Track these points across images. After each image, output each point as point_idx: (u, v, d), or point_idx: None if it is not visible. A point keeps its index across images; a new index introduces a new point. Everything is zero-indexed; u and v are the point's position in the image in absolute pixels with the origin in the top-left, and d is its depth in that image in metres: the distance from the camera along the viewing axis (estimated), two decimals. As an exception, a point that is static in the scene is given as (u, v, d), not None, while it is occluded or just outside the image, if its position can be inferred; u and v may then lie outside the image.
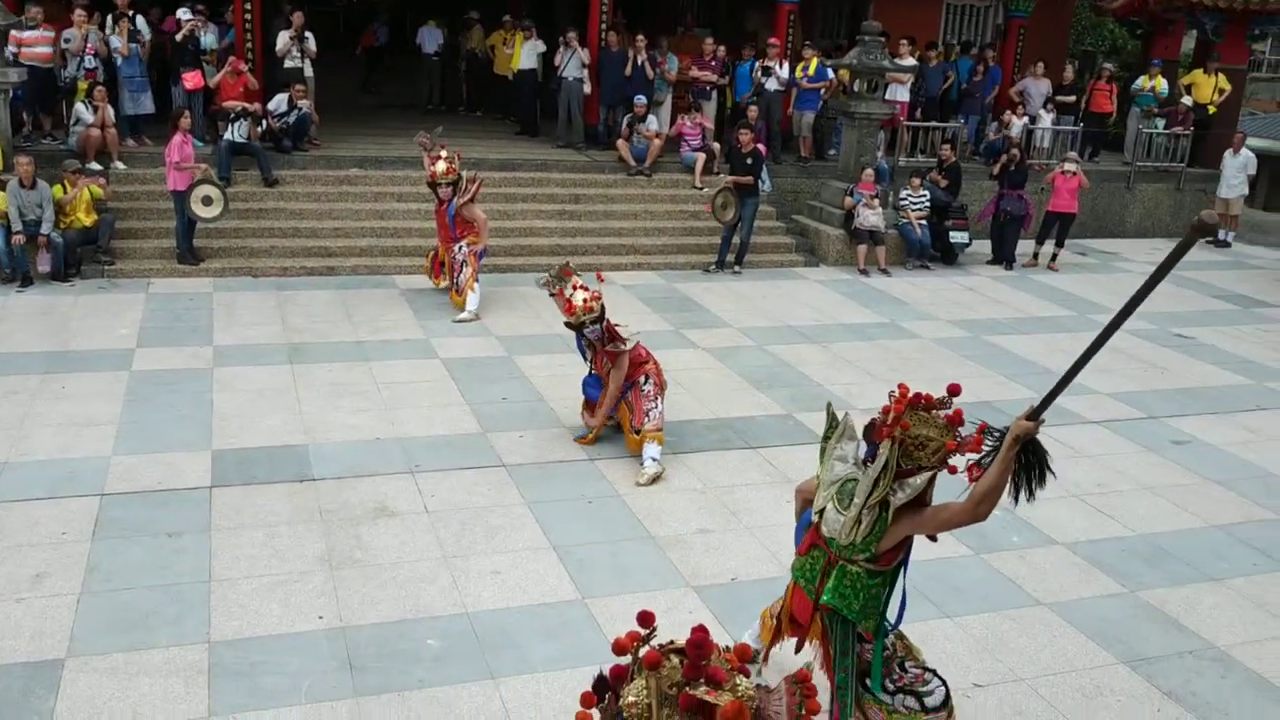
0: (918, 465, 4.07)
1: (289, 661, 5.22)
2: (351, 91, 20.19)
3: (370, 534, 6.48)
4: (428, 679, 5.17)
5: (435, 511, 6.81)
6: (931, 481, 4.10)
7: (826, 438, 4.46)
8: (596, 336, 7.68)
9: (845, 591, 4.26)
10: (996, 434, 4.09)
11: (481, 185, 11.18)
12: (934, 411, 4.08)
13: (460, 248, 10.90)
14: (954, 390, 4.15)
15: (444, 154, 10.91)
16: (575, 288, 7.62)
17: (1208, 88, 18.02)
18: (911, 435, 4.02)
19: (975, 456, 4.07)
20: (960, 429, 4.09)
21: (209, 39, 14.04)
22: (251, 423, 7.96)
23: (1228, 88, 18.04)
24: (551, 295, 7.96)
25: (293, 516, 6.63)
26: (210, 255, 12.01)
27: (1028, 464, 4.05)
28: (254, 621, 5.52)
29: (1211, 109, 18.00)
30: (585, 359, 8.05)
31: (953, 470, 4.12)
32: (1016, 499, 4.05)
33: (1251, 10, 17.43)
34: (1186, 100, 17.93)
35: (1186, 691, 5.50)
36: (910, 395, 4.09)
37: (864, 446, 4.36)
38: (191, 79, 13.45)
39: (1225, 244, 17.61)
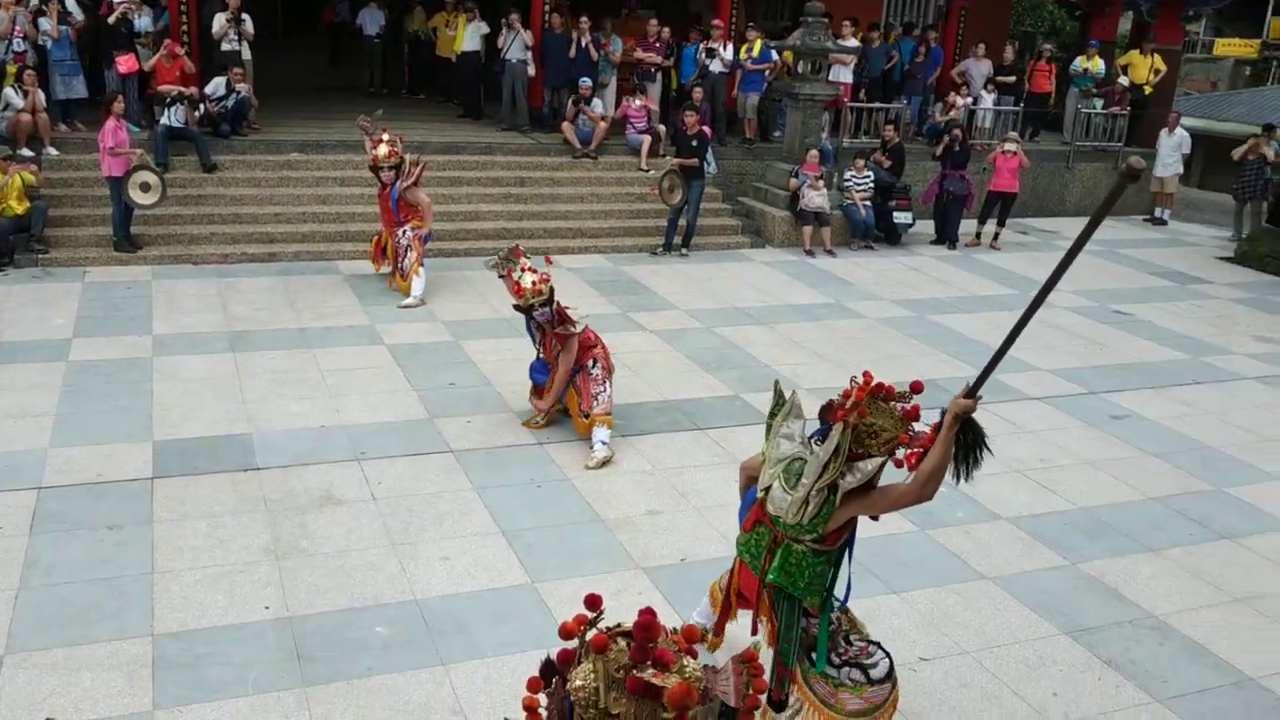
0: (866, 451, 4.11)
1: (235, 653, 5.16)
2: (321, 69, 19.92)
3: (316, 522, 6.42)
4: (376, 667, 5.14)
5: (382, 499, 6.76)
6: (881, 467, 4.14)
7: (773, 415, 4.48)
8: (545, 319, 7.66)
9: (791, 569, 4.31)
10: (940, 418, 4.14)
11: (425, 168, 11.06)
12: (892, 403, 4.14)
13: (404, 232, 10.80)
14: (916, 388, 4.21)
15: (385, 137, 10.78)
16: (524, 270, 7.59)
17: (1144, 68, 18.33)
18: (866, 423, 4.06)
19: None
20: (914, 424, 4.15)
21: (143, 22, 13.73)
22: (193, 412, 7.83)
23: (1163, 68, 18.37)
24: (501, 277, 7.91)
25: (237, 506, 6.54)
26: (149, 242, 11.77)
27: (966, 443, 4.10)
28: (198, 613, 5.45)
29: (1148, 89, 18.31)
30: (534, 343, 8.01)
31: (898, 464, 4.18)
32: (957, 478, 4.10)
33: (1185, -9, 17.72)
34: (1123, 80, 18.21)
35: (1126, 660, 5.63)
36: (873, 384, 4.14)
37: (810, 425, 4.40)
38: (125, 62, 13.13)
39: (1162, 222, 17.95)
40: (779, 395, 4.53)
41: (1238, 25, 37.97)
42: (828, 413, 4.30)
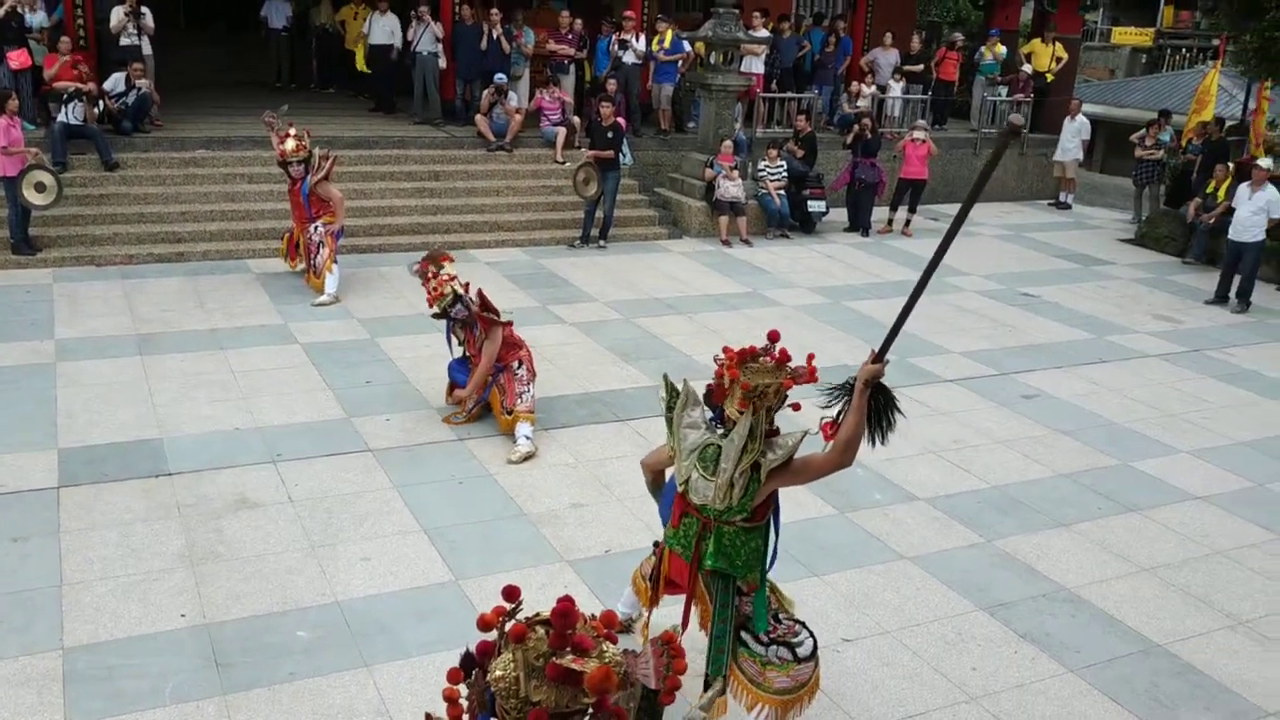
0: (768, 410, 4.18)
1: (150, 663, 5.04)
2: (225, 63, 19.50)
3: (232, 527, 6.29)
4: (299, 671, 5.06)
5: (300, 500, 6.64)
6: (800, 441, 4.20)
7: (670, 408, 4.47)
8: (463, 315, 7.59)
9: (727, 551, 4.35)
10: (846, 384, 4.25)
11: (335, 162, 10.88)
12: (760, 359, 4.21)
13: (316, 228, 10.58)
14: (773, 336, 4.31)
15: (292, 132, 10.57)
16: (432, 276, 7.56)
17: (1045, 56, 18.81)
18: (753, 387, 4.12)
19: (817, 392, 4.27)
20: (789, 365, 4.22)
21: (37, 18, 13.27)
22: (100, 418, 7.61)
23: (1064, 56, 18.85)
24: (423, 280, 7.77)
25: (148, 513, 6.37)
26: (48, 244, 11.39)
27: (877, 407, 4.21)
28: (111, 624, 5.30)
29: (1049, 77, 18.78)
30: (455, 344, 7.93)
31: (796, 407, 4.27)
32: (872, 442, 4.20)
33: (1083, -19, 18.20)
34: (1027, 69, 18.66)
35: (1041, 632, 5.79)
36: (735, 352, 4.22)
37: (709, 410, 4.44)
38: (16, 58, 12.67)
39: (1065, 206, 18.45)
40: (671, 387, 4.53)
41: (1133, 14, 39.22)
42: (711, 397, 4.40)
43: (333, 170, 10.71)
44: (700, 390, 4.55)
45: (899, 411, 4.27)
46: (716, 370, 4.28)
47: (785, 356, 4.22)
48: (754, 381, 4.13)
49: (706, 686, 4.46)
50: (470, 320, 7.64)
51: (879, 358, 4.13)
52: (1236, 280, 12.98)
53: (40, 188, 10.89)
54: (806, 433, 4.26)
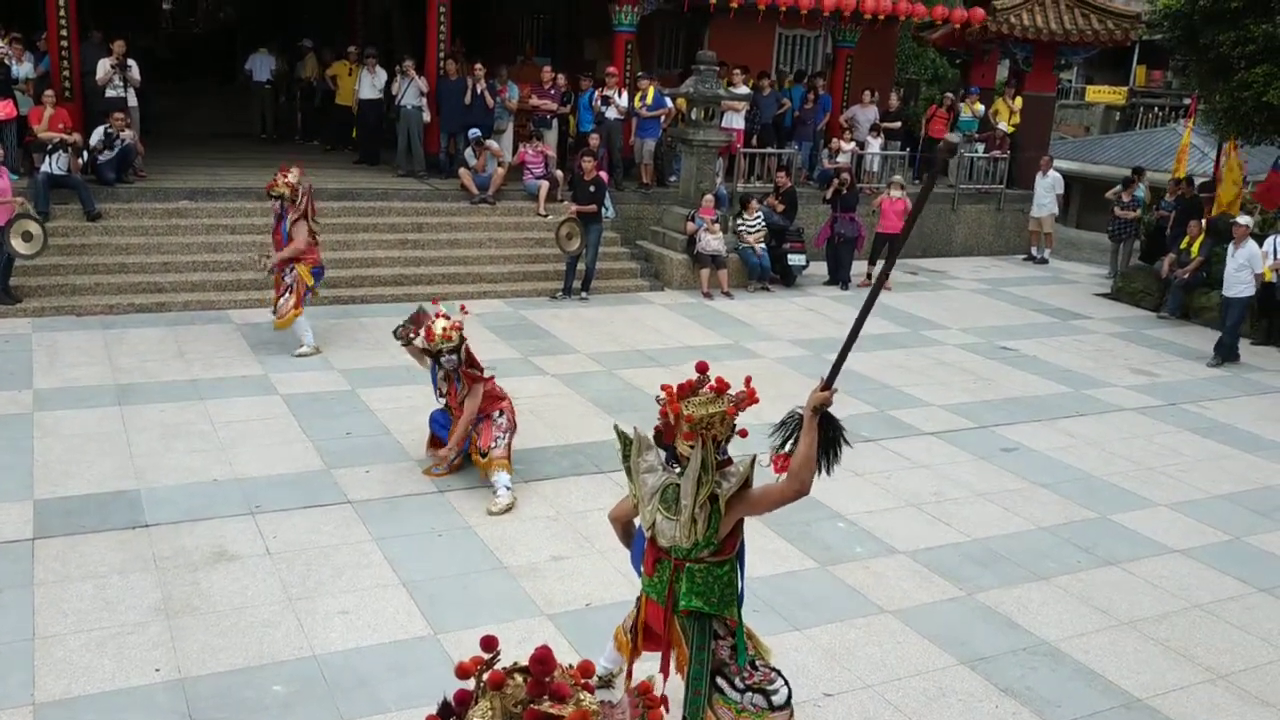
0: (720, 448, 4.29)
1: (124, 718, 4.96)
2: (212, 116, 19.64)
3: (209, 580, 6.23)
4: (274, 727, 4.99)
5: (278, 553, 6.59)
6: (753, 465, 4.31)
7: (626, 457, 4.53)
8: (453, 366, 7.54)
9: (700, 589, 4.38)
10: (793, 414, 4.35)
11: (311, 198, 10.42)
12: (700, 391, 4.32)
13: (291, 270, 10.25)
14: (701, 367, 4.48)
15: (294, 169, 10.26)
16: (437, 316, 7.53)
17: (1007, 112, 19.16)
18: (698, 419, 4.21)
19: (767, 422, 4.41)
20: (729, 392, 4.33)
21: (23, 69, 13.34)
22: (77, 469, 7.55)
23: (1017, 107, 19.12)
24: (405, 344, 7.77)
25: (124, 565, 6.31)
26: (28, 294, 11.36)
27: (826, 437, 4.26)
28: (84, 678, 5.23)
29: (1009, 129, 19.11)
30: (437, 393, 7.93)
31: (744, 434, 4.38)
32: (819, 470, 4.24)
33: (1056, 41, 18.61)
34: (1002, 126, 18.98)
35: (1022, 686, 5.77)
36: (675, 388, 4.32)
37: (662, 452, 4.51)
38: (2, 108, 12.74)
39: (1043, 261, 18.68)
40: (624, 437, 4.58)
41: (1107, 73, 39.96)
42: (661, 438, 4.48)
43: (311, 207, 10.35)
44: (650, 433, 4.60)
45: (846, 442, 4.34)
46: (660, 410, 4.37)
47: (723, 385, 4.33)
48: (697, 414, 4.21)
49: None
50: (454, 373, 7.64)
51: (827, 385, 4.19)
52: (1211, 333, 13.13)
53: (27, 237, 10.90)
54: (755, 457, 4.35)
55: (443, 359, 7.53)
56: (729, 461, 4.35)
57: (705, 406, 4.25)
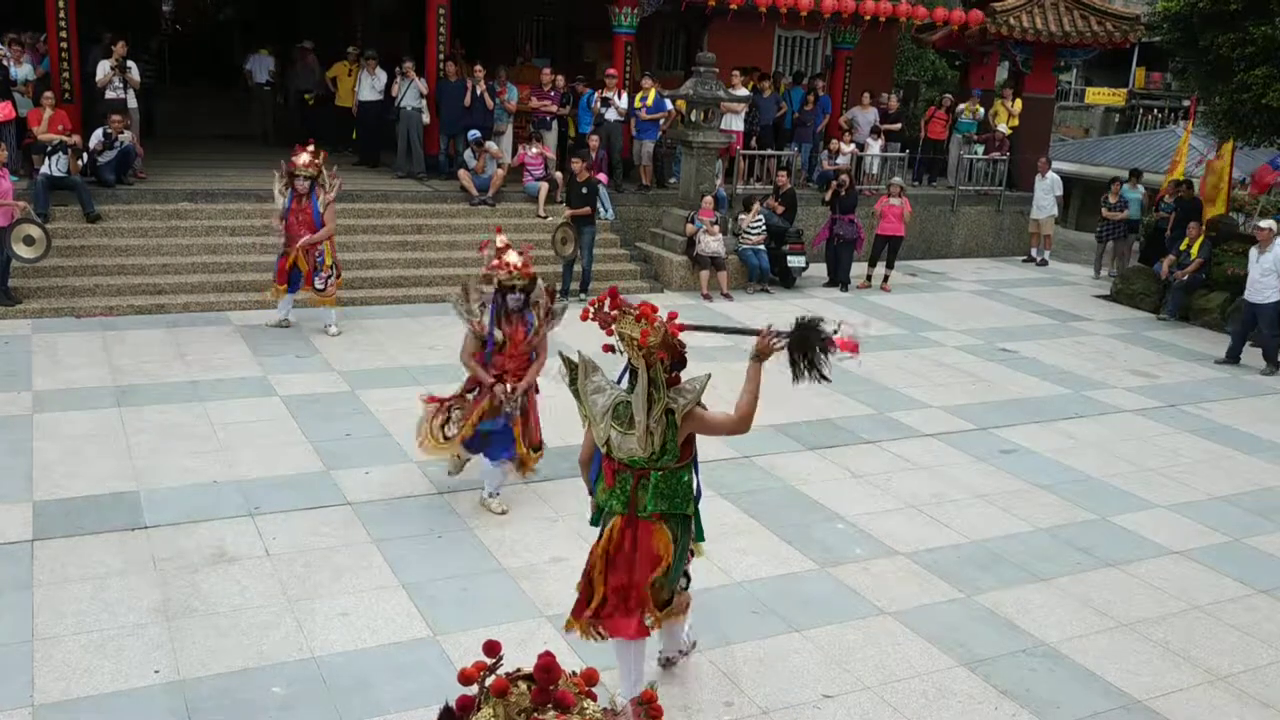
0: (667, 368, 4.74)
1: (123, 720, 4.96)
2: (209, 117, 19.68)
3: (208, 581, 6.23)
4: (274, 728, 4.99)
5: (277, 554, 6.59)
6: (706, 382, 4.83)
7: (573, 381, 4.88)
8: (518, 306, 7.02)
9: (664, 493, 4.87)
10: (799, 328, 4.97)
11: (341, 184, 11.34)
12: (626, 310, 4.78)
13: (323, 248, 10.88)
14: (613, 292, 4.94)
15: (310, 149, 10.88)
16: (506, 248, 6.96)
17: (1005, 114, 19.17)
18: (619, 332, 4.70)
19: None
20: (657, 319, 4.73)
21: (22, 70, 13.34)
22: (77, 470, 7.55)
23: (1016, 109, 19.09)
24: (466, 317, 7.30)
25: (124, 567, 6.31)
26: (28, 295, 11.36)
27: (804, 359, 4.99)
28: (83, 680, 5.23)
29: (1007, 130, 19.11)
30: (489, 345, 7.08)
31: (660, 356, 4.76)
32: (807, 377, 5.01)
33: (1055, 43, 18.61)
34: (1002, 128, 18.99)
35: (1021, 689, 5.77)
36: (601, 301, 4.82)
37: (607, 374, 4.96)
38: (1, 110, 12.74)
39: (1043, 262, 18.68)
40: (568, 362, 4.98)
41: (1106, 75, 39.99)
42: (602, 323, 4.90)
43: (339, 191, 11.18)
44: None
45: (824, 353, 4.95)
46: (584, 311, 4.89)
47: (648, 309, 4.75)
48: (620, 330, 4.71)
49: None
50: (520, 312, 7.06)
51: (763, 334, 4.85)
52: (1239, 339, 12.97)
53: (29, 240, 10.88)
54: (710, 376, 4.85)
55: (511, 296, 6.95)
56: (677, 379, 4.82)
57: (627, 326, 4.71)
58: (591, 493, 5.20)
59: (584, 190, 13.30)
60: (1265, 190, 16.15)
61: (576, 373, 4.90)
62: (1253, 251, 12.93)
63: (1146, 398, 11.30)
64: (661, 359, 4.69)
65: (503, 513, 7.32)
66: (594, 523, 5.22)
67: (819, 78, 18.72)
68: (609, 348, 4.83)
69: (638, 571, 4.95)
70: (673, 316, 4.81)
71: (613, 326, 4.74)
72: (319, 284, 10.91)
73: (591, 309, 4.84)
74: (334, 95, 17.12)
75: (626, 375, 4.92)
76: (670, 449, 4.77)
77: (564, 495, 7.76)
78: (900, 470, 8.71)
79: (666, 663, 5.60)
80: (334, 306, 11.23)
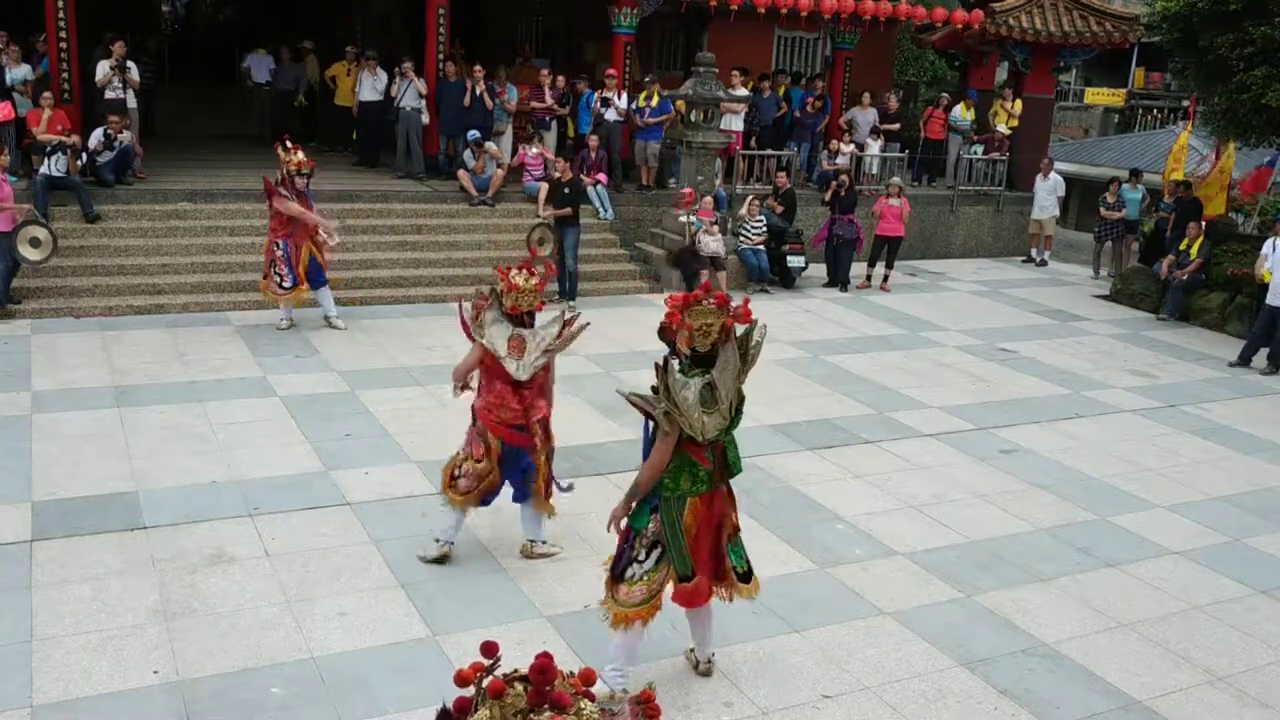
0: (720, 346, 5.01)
1: (121, 721, 4.96)
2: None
3: (207, 582, 6.22)
4: (273, 729, 4.99)
5: (277, 555, 6.59)
6: (764, 337, 5.19)
7: (665, 385, 4.93)
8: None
9: (738, 454, 5.27)
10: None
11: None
12: (704, 303, 4.99)
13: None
14: (706, 286, 5.29)
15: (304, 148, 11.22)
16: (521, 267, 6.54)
17: (1004, 115, 19.18)
18: (700, 326, 4.95)
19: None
20: (732, 305, 5.02)
21: (20, 71, 13.34)
22: (76, 471, 7.54)
23: (1016, 109, 19.09)
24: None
25: (123, 567, 6.30)
26: (27, 296, 11.36)
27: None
28: (82, 681, 5.22)
29: (1009, 131, 19.11)
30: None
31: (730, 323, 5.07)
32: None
33: (1055, 43, 18.61)
34: (1001, 128, 18.99)
35: (1021, 689, 5.77)
36: (678, 300, 5.02)
37: (680, 374, 5.05)
38: (1, 110, 12.74)
39: (1042, 263, 18.68)
40: (660, 368, 5.00)
41: (1106, 75, 40.02)
42: (665, 332, 5.17)
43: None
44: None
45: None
46: (667, 314, 5.07)
47: (723, 300, 5.01)
48: (698, 321, 4.94)
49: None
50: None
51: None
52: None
53: (35, 243, 10.85)
54: (765, 327, 5.21)
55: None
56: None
57: (705, 317, 4.95)
58: (658, 500, 5.17)
59: (566, 190, 13.16)
60: (1257, 190, 16.13)
61: (666, 377, 4.96)
62: (1267, 245, 12.85)
63: (1146, 398, 11.30)
64: (700, 333, 4.99)
65: (556, 552, 6.83)
66: (645, 523, 5.18)
67: (818, 78, 18.72)
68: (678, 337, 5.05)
69: (722, 539, 5.30)
70: (745, 302, 5.08)
71: (687, 321, 4.95)
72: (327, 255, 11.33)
73: (679, 304, 5.02)
74: (326, 94, 17.16)
75: (672, 354, 5.16)
76: (741, 409, 5.09)
77: (564, 495, 7.74)
78: (900, 470, 8.71)
79: (708, 666, 5.61)
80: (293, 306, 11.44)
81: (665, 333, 5.18)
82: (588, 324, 6.76)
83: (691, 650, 5.65)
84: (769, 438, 9.06)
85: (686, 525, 5.15)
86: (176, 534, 6.75)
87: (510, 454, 6.43)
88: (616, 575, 5.28)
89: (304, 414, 8.94)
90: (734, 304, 5.03)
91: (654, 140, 16.09)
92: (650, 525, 5.17)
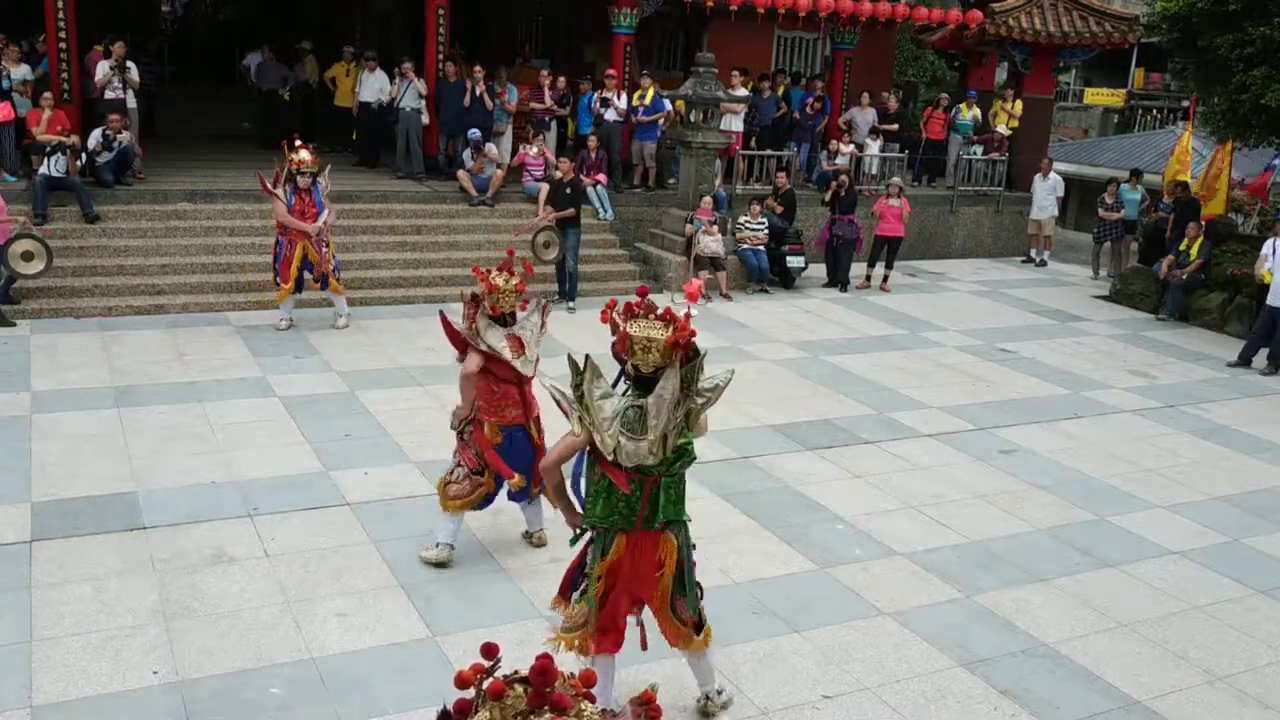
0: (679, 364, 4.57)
1: (121, 721, 4.96)
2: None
3: (207, 582, 6.22)
4: (272, 729, 4.99)
5: (276, 555, 6.58)
6: (729, 380, 4.83)
7: (579, 386, 4.65)
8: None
9: (675, 499, 4.72)
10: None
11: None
12: (650, 316, 4.59)
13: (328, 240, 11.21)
14: (641, 291, 4.81)
15: (310, 146, 11.19)
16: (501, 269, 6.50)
17: (1004, 115, 19.18)
18: (638, 337, 4.52)
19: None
20: (674, 323, 4.60)
21: (20, 71, 13.34)
22: (75, 471, 7.54)
23: (1016, 110, 19.09)
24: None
25: (123, 568, 6.30)
26: (26, 296, 11.34)
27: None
28: (81, 681, 5.22)
29: (1007, 131, 19.11)
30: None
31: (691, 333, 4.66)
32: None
33: (1054, 44, 18.61)
34: (1001, 129, 18.99)
35: (1020, 689, 5.77)
36: (623, 305, 4.64)
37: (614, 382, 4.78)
38: (0, 110, 12.74)
39: (1042, 263, 18.67)
40: (575, 366, 4.70)
41: (1105, 76, 40.01)
42: (615, 350, 4.77)
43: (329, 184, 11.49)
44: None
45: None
46: (612, 329, 4.68)
47: (670, 314, 4.59)
48: (637, 332, 4.51)
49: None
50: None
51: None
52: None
53: (28, 256, 10.72)
54: (732, 374, 4.81)
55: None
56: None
57: (646, 329, 4.53)
58: (574, 511, 4.97)
59: (568, 191, 13.14)
60: (1256, 194, 16.14)
61: (584, 376, 4.66)
62: (1268, 246, 12.84)
63: (1146, 398, 11.29)
64: (682, 359, 4.55)
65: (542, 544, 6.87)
66: (574, 542, 5.01)
67: (818, 78, 18.72)
68: (623, 349, 4.63)
69: (642, 584, 4.79)
70: (642, 291, 4.80)
71: (628, 330, 4.54)
72: (332, 268, 11.23)
73: (611, 311, 4.66)
74: (326, 95, 17.17)
75: (622, 380, 4.79)
76: (688, 453, 4.64)
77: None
78: (900, 470, 8.71)
79: (707, 705, 5.19)
80: (343, 294, 11.52)
81: (615, 350, 4.81)
82: (548, 304, 6.85)
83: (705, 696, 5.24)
84: (769, 438, 9.06)
85: (612, 563, 4.75)
86: (176, 534, 6.75)
87: (513, 449, 6.51)
88: (565, 590, 5.05)
89: (304, 414, 8.94)
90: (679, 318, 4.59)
91: (649, 140, 16.08)
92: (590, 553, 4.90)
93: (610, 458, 4.55)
